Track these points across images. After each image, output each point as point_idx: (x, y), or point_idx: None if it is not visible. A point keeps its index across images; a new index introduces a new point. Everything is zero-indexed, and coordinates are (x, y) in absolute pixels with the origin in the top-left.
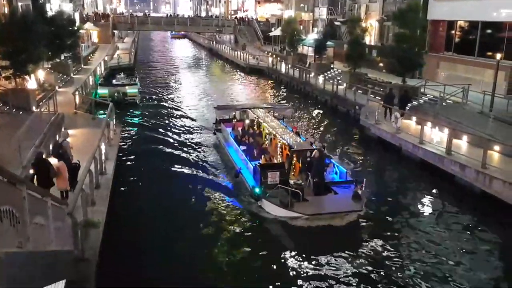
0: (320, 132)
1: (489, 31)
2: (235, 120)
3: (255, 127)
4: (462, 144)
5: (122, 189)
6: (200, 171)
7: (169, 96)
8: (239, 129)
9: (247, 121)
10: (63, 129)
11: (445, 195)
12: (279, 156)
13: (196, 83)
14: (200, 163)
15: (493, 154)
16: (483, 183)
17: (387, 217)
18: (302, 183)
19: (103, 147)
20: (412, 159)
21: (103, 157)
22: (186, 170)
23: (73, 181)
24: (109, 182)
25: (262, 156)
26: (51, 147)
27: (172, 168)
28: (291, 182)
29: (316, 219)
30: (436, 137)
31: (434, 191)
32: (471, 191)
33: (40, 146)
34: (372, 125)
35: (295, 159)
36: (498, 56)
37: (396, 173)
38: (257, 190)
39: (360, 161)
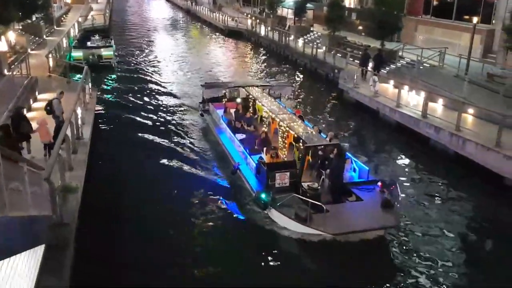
0: (300, 95)
1: None
2: (225, 99)
3: (250, 109)
4: (438, 107)
5: (100, 153)
6: (182, 149)
7: (146, 59)
8: (232, 111)
9: (238, 100)
10: (58, 90)
11: (420, 158)
12: (283, 147)
13: (173, 46)
14: (183, 141)
15: (468, 117)
16: (457, 145)
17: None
18: (318, 188)
19: (79, 111)
20: (389, 122)
21: (79, 122)
22: (165, 143)
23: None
24: (87, 146)
25: (264, 148)
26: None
27: (150, 135)
28: (305, 185)
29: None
30: (412, 100)
31: (409, 153)
32: (445, 154)
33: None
34: (350, 89)
35: (308, 155)
36: (475, 19)
37: (373, 136)
38: (263, 195)
39: (339, 125)
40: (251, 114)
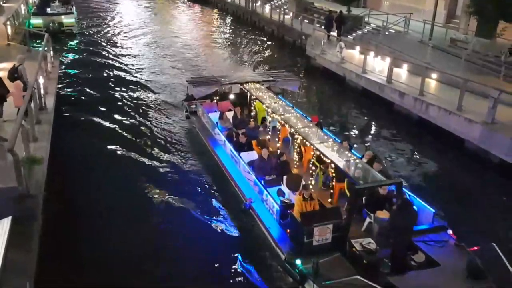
0: (268, 63)
1: None
2: (217, 97)
3: (253, 113)
4: (402, 72)
5: (64, 124)
6: (160, 154)
7: (108, 27)
8: (229, 116)
9: (231, 96)
10: (19, 55)
11: (384, 122)
12: (299, 165)
13: (136, 13)
14: (161, 142)
15: (431, 82)
16: (420, 109)
17: None
18: (377, 249)
19: (41, 80)
20: (356, 88)
21: (42, 91)
22: (129, 120)
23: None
24: (50, 117)
25: (284, 177)
26: None
27: (114, 103)
28: (356, 244)
29: None
30: (378, 66)
31: (374, 118)
32: (409, 118)
33: None
34: (318, 55)
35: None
36: None
37: (340, 101)
38: (299, 263)
39: (306, 91)
40: (255, 121)
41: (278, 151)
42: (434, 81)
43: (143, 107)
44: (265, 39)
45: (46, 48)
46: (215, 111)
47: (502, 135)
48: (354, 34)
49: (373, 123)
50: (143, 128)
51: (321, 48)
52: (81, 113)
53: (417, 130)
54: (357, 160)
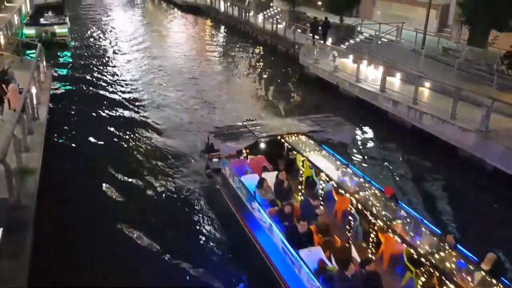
0: (261, 73)
1: None
2: (247, 151)
3: (301, 177)
4: (395, 81)
5: (57, 134)
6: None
7: (102, 37)
8: (270, 183)
9: (262, 145)
10: (7, 60)
11: (378, 130)
12: (375, 257)
13: (130, 22)
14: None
15: (424, 91)
16: (414, 118)
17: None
18: None
19: (33, 90)
20: (349, 97)
21: (34, 101)
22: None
23: None
24: (43, 127)
25: None
26: None
27: (107, 113)
28: None
29: None
30: (371, 75)
31: (368, 126)
32: (403, 126)
33: None
34: (311, 64)
35: None
36: None
37: (333, 110)
38: None
39: (300, 100)
40: (312, 195)
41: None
42: (427, 90)
43: (138, 130)
44: (258, 48)
45: (38, 58)
46: (247, 169)
47: (496, 144)
48: (346, 43)
49: (367, 130)
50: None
51: (314, 57)
52: (74, 125)
53: (411, 138)
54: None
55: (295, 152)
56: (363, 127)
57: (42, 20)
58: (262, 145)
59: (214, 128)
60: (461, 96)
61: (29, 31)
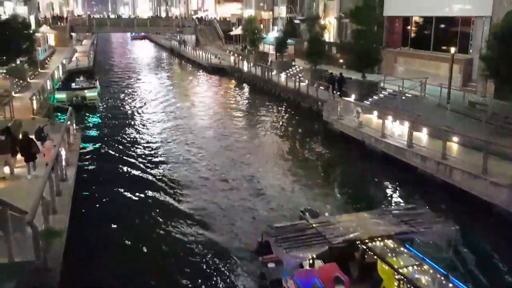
0: (286, 131)
1: (442, 25)
2: (313, 256)
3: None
4: (422, 136)
5: (84, 195)
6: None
7: (130, 99)
8: None
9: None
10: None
11: (408, 187)
12: None
13: (157, 84)
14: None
15: (452, 145)
16: (444, 173)
17: (353, 206)
18: None
19: (63, 152)
20: (376, 153)
21: (63, 163)
22: (150, 192)
23: None
24: (71, 188)
25: None
26: None
27: (136, 176)
28: None
29: None
30: (397, 130)
31: (397, 182)
32: (433, 182)
33: None
34: (335, 120)
35: None
36: (452, 50)
37: (360, 166)
38: None
39: (326, 156)
40: None
41: None
42: (455, 144)
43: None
44: (282, 106)
45: (69, 122)
46: (316, 283)
47: None
48: (370, 99)
49: (397, 187)
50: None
51: (338, 113)
52: (101, 186)
53: (442, 193)
54: None
55: (379, 260)
56: (392, 184)
57: (73, 85)
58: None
59: (271, 228)
60: (491, 150)
61: (61, 96)
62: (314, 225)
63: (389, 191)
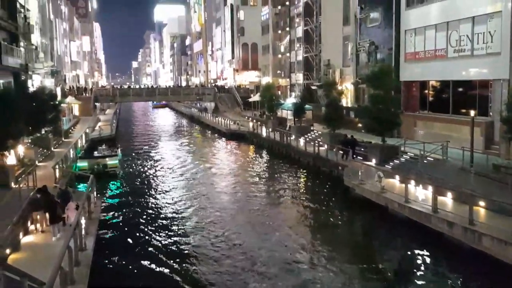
0: (307, 197)
1: (460, 89)
2: None
3: None
4: (447, 201)
5: (103, 266)
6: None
7: (151, 166)
8: None
9: None
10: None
11: (435, 254)
12: None
13: (177, 150)
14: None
15: (479, 210)
16: (472, 240)
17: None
18: None
19: (83, 221)
20: (399, 218)
21: (83, 232)
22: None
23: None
24: (89, 258)
25: None
26: None
27: (155, 247)
28: None
29: None
30: (420, 195)
31: (424, 249)
32: (461, 248)
33: (19, 223)
34: (356, 185)
35: None
36: (472, 113)
37: (385, 232)
38: None
39: (349, 224)
40: None
41: None
42: (482, 209)
43: None
44: (301, 170)
45: (90, 189)
46: None
47: None
48: (391, 163)
49: (423, 254)
50: None
51: (359, 178)
52: (120, 256)
53: (471, 261)
54: None
55: None
56: (419, 251)
57: (95, 153)
58: None
59: None
60: None
61: (83, 164)
62: None
63: (415, 257)
